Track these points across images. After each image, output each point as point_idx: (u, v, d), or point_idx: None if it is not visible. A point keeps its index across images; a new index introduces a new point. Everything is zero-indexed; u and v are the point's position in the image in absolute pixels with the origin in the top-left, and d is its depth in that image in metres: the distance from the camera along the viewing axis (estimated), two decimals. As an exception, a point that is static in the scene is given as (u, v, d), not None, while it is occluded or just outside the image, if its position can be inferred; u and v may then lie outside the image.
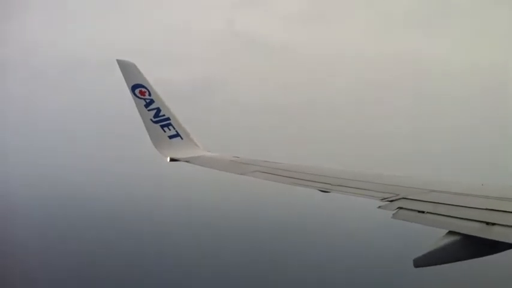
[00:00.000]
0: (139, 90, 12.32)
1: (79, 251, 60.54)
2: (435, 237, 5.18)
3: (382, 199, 6.68)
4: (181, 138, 12.76)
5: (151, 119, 12.47)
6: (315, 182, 8.40)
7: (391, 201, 6.51)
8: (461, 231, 5.03)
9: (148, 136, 12.58)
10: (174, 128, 12.67)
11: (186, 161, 12.15)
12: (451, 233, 5.11)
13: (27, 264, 53.81)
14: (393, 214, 6.01)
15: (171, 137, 12.65)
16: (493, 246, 4.88)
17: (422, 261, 4.93)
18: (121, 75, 12.28)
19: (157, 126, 12.51)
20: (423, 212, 5.87)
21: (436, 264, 5.01)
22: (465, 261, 5.07)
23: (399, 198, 6.56)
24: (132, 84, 12.25)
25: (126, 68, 12.24)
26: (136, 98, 12.33)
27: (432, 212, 5.82)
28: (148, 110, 12.43)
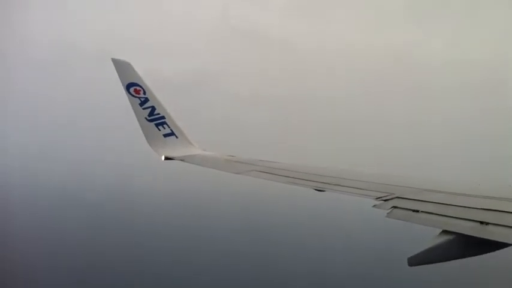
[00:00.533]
0: (134, 88, 12.29)
1: (73, 249, 60.33)
2: (429, 236, 5.20)
3: (377, 198, 6.69)
4: (176, 137, 12.74)
5: (146, 118, 12.44)
6: (310, 181, 8.40)
7: (386, 200, 6.53)
8: (455, 231, 5.05)
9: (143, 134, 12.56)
10: (169, 127, 12.65)
11: (181, 160, 12.13)
12: (445, 232, 5.14)
13: (24, 261, 53.66)
14: (387, 213, 6.03)
15: (165, 135, 12.62)
16: (487, 245, 4.90)
17: (417, 260, 4.95)
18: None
19: (152, 124, 12.48)
20: (417, 211, 5.89)
21: (430, 263, 5.03)
22: (459, 260, 5.10)
23: (394, 198, 6.58)
24: (127, 83, 12.23)
25: (120, 66, 12.21)
26: (131, 97, 12.29)
27: (426, 211, 5.84)
28: (143, 109, 12.40)
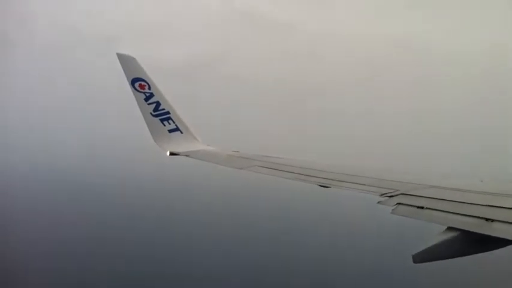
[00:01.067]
0: (139, 83, 12.33)
1: (70, 246, 60.52)
2: (434, 233, 5.19)
3: (382, 194, 6.69)
4: (181, 132, 12.79)
5: (151, 113, 12.49)
6: (315, 177, 8.40)
7: (391, 196, 6.53)
8: (461, 227, 5.04)
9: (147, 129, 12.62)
10: (174, 122, 12.70)
11: (186, 155, 12.19)
12: (450, 228, 5.12)
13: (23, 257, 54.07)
14: (392, 210, 6.02)
15: (170, 131, 12.67)
16: (492, 242, 4.89)
17: (421, 257, 4.95)
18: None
19: (157, 120, 12.53)
20: (422, 207, 5.88)
21: (435, 260, 5.02)
22: (464, 257, 5.09)
23: (398, 194, 6.57)
24: (132, 78, 12.27)
25: (125, 61, 12.25)
26: (136, 92, 12.35)
27: (431, 207, 5.83)
28: (148, 104, 12.44)
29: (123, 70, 12.22)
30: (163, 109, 12.60)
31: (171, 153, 12.33)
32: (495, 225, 4.87)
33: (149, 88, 12.41)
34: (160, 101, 12.54)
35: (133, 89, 12.31)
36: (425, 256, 4.95)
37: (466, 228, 4.97)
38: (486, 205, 5.50)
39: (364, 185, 7.44)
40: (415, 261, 4.97)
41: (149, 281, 50.86)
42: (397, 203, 6.17)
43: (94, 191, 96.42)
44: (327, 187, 7.86)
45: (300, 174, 8.83)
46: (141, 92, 12.35)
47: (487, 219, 5.00)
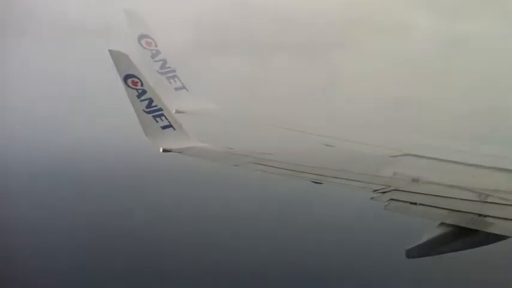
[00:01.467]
0: (132, 80, 12.30)
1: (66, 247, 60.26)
2: (428, 228, 5.21)
3: (375, 190, 6.71)
4: (174, 129, 12.80)
5: (143, 110, 12.48)
6: (308, 173, 8.45)
7: (384, 192, 6.54)
8: (453, 223, 5.07)
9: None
10: (167, 119, 12.70)
11: (179, 152, 12.20)
12: (443, 224, 5.15)
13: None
14: (385, 205, 6.04)
15: (163, 127, 12.68)
16: (485, 237, 4.92)
17: (415, 252, 4.99)
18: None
19: (150, 116, 12.52)
20: (415, 203, 5.90)
21: (428, 255, 5.06)
22: (457, 252, 5.12)
23: (391, 190, 6.59)
24: (124, 75, 12.24)
25: (118, 58, 12.20)
26: (129, 89, 12.32)
27: (424, 203, 5.86)
28: (141, 101, 12.42)
29: (116, 67, 12.17)
30: (156, 106, 12.58)
31: (164, 150, 12.34)
32: (488, 220, 4.90)
33: (142, 85, 12.40)
34: (153, 98, 12.53)
35: (125, 85, 12.29)
36: (418, 251, 4.99)
37: (459, 224, 5.01)
38: (479, 201, 5.54)
39: (357, 180, 7.47)
40: (408, 256, 5.01)
41: (143, 278, 50.79)
42: (390, 199, 6.19)
43: (90, 187, 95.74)
44: (320, 183, 7.89)
45: (293, 170, 8.87)
46: (133, 88, 12.33)
47: (479, 215, 5.04)
